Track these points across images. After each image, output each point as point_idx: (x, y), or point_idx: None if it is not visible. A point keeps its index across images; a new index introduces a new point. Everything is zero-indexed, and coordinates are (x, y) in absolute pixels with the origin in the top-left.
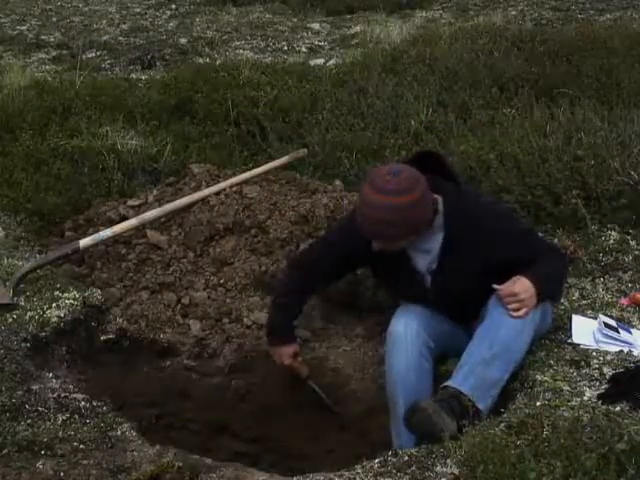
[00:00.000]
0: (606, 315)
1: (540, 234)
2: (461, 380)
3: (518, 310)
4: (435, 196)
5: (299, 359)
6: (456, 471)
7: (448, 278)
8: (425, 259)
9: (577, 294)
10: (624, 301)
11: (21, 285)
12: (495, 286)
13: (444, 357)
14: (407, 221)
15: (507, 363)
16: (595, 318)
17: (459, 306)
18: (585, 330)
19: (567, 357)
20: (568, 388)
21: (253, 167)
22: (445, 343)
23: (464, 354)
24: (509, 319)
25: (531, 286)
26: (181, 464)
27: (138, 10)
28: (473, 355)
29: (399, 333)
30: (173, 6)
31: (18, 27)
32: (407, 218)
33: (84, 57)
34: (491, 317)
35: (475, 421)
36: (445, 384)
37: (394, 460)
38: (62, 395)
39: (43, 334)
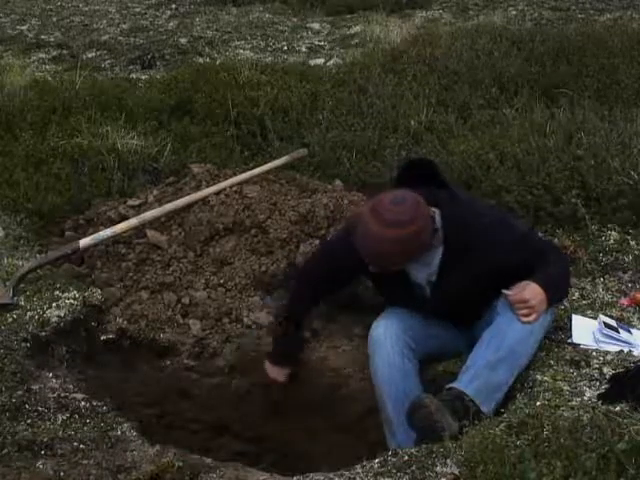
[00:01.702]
0: (606, 315)
1: (540, 234)
2: (466, 383)
3: (528, 316)
4: (432, 209)
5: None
6: (456, 471)
7: (448, 289)
8: (424, 271)
9: (577, 294)
10: (624, 301)
11: (21, 285)
12: (504, 291)
13: (440, 358)
14: (407, 251)
15: (513, 367)
16: (595, 318)
17: (459, 312)
18: (585, 330)
19: (567, 357)
20: (568, 388)
21: (253, 167)
22: (434, 344)
23: (470, 357)
24: (517, 324)
25: (541, 292)
26: (181, 464)
27: (138, 10)
28: (479, 358)
29: (379, 336)
30: (173, 6)
31: (18, 27)
32: (408, 249)
33: (84, 57)
34: (499, 321)
35: (475, 422)
36: (450, 385)
37: (394, 460)
38: (62, 395)
39: (43, 334)
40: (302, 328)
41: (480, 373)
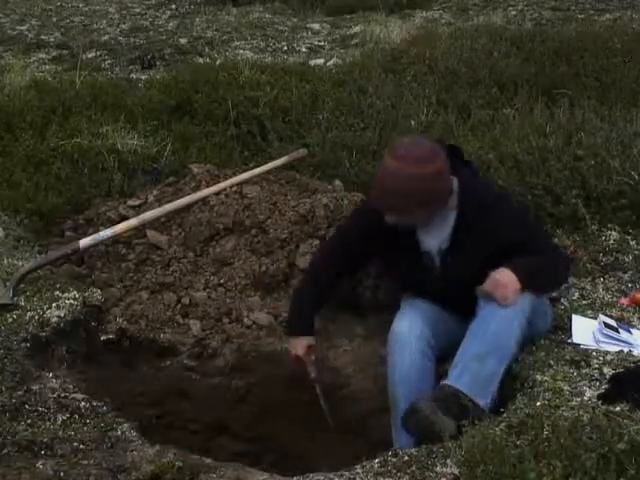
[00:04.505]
0: (606, 315)
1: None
2: (456, 377)
3: (505, 297)
4: (451, 177)
5: (312, 357)
6: (456, 471)
7: (457, 259)
8: (436, 239)
9: (577, 294)
10: (624, 301)
11: (21, 285)
12: (478, 288)
13: (445, 356)
14: (427, 193)
15: (500, 357)
16: (595, 318)
17: (462, 291)
18: (585, 330)
19: (567, 357)
20: (568, 388)
21: (253, 167)
22: (448, 341)
23: (458, 351)
24: (498, 313)
25: (510, 273)
26: (181, 464)
27: (138, 10)
28: (466, 352)
29: (402, 332)
30: (173, 6)
31: (18, 27)
32: (427, 191)
33: (84, 57)
34: (481, 313)
35: (476, 418)
36: (441, 383)
37: (394, 460)
38: (62, 395)
39: (43, 334)
40: (319, 304)
41: (469, 366)
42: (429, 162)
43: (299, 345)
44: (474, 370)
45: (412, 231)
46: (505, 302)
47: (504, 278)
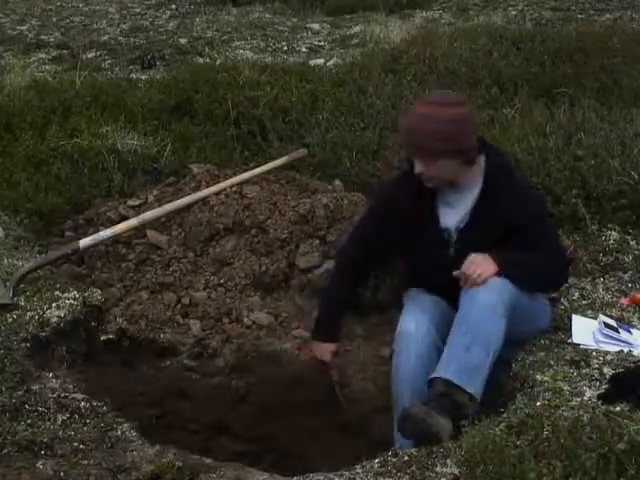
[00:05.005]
0: (606, 315)
1: None
2: (444, 368)
3: (478, 275)
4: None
5: (335, 360)
6: (456, 471)
7: (474, 236)
8: (456, 214)
9: (577, 294)
10: (624, 301)
11: (21, 285)
12: (455, 273)
13: None
14: (449, 133)
15: (485, 346)
16: (595, 318)
17: None
18: (585, 330)
19: (567, 357)
20: (568, 388)
21: (253, 167)
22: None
23: (446, 345)
24: (476, 298)
25: (488, 256)
26: (181, 464)
27: (138, 10)
28: (452, 343)
29: (410, 332)
30: (173, 6)
31: (18, 27)
32: (450, 130)
33: (84, 57)
34: (462, 304)
35: (473, 414)
36: (431, 377)
37: (394, 460)
38: (62, 395)
39: (43, 334)
40: (345, 306)
41: (455, 355)
42: (461, 105)
43: (325, 352)
44: (460, 359)
45: (432, 205)
46: (480, 279)
47: (478, 258)
